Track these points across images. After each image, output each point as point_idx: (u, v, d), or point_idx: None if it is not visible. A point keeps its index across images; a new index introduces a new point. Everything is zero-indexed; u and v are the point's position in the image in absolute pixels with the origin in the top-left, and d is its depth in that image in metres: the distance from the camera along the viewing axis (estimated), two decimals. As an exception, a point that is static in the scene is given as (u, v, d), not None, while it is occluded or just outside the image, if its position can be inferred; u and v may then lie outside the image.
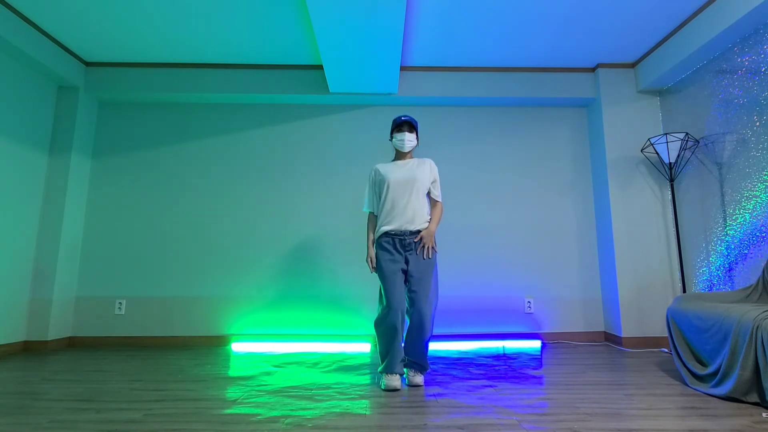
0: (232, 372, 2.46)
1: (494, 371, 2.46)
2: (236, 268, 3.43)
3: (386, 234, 2.23)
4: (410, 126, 2.32)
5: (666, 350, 3.06)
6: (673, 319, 2.30)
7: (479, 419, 1.65)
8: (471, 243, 3.51)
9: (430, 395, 1.98)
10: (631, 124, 3.44)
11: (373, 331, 3.36)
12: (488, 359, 2.79)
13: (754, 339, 1.78)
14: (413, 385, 2.14)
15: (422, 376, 2.18)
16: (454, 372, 2.45)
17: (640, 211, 3.33)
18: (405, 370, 2.21)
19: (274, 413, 1.73)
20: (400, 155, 2.38)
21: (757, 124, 2.59)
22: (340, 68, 3.14)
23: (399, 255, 2.19)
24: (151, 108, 3.65)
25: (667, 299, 3.24)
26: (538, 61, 3.49)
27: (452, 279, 3.46)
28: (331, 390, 2.08)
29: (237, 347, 3.12)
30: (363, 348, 3.10)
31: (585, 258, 3.54)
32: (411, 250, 2.19)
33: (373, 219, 2.35)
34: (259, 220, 3.51)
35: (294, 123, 3.65)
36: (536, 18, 2.91)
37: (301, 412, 1.74)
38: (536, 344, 3.15)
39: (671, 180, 3.11)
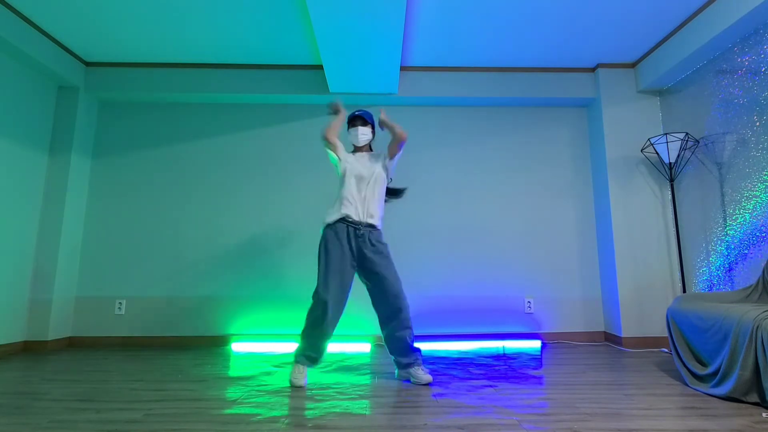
0: (232, 372, 2.46)
1: (494, 371, 2.46)
2: (236, 267, 3.43)
3: (342, 220, 2.26)
4: (363, 120, 2.40)
5: (666, 350, 3.06)
6: (673, 319, 2.30)
7: (479, 419, 1.65)
8: (471, 243, 3.51)
9: (430, 395, 1.98)
10: (631, 124, 3.44)
11: (373, 331, 3.36)
12: (488, 359, 2.79)
13: (754, 339, 1.78)
14: (424, 384, 2.15)
15: (424, 369, 2.20)
16: (454, 372, 2.45)
17: (640, 211, 3.33)
18: (407, 371, 2.22)
19: (274, 413, 1.73)
20: (356, 148, 2.45)
21: (757, 124, 2.59)
22: (340, 68, 3.14)
23: (349, 251, 2.24)
24: (151, 108, 3.65)
25: (667, 299, 3.24)
26: (538, 61, 3.49)
27: (452, 279, 3.46)
28: (331, 390, 2.08)
29: (237, 347, 3.12)
30: (363, 348, 3.10)
31: (585, 258, 3.54)
32: (365, 243, 2.24)
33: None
34: (260, 219, 3.51)
35: (294, 123, 3.65)
36: (536, 18, 2.91)
37: (301, 412, 1.74)
38: (536, 344, 3.16)
39: (671, 180, 3.11)
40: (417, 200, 3.56)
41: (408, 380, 2.23)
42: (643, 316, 3.20)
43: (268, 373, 2.43)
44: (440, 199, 3.57)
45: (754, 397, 1.80)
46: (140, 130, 3.62)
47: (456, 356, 2.90)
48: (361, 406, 1.82)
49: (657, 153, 3.13)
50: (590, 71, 3.59)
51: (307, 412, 1.74)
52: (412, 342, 2.23)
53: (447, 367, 2.56)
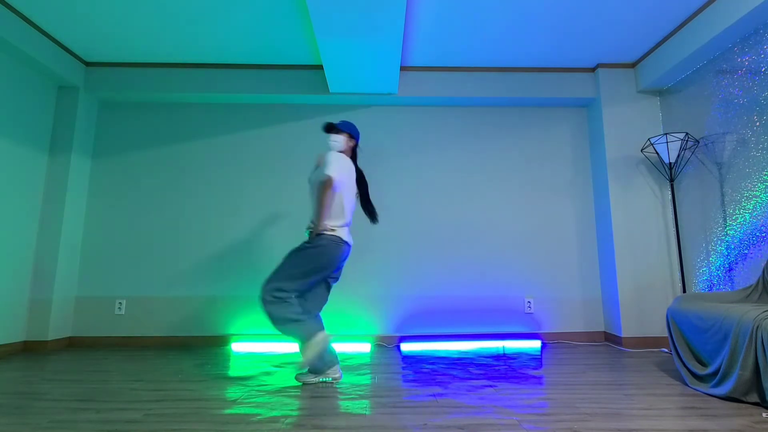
0: (232, 372, 2.46)
1: (494, 371, 2.46)
2: (236, 267, 3.43)
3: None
4: (337, 129, 2.41)
5: (666, 350, 3.06)
6: (673, 319, 2.30)
7: (479, 419, 1.65)
8: (471, 243, 3.51)
9: (430, 395, 1.98)
10: (631, 124, 3.44)
11: (373, 331, 3.36)
12: (488, 359, 2.79)
13: (754, 339, 1.78)
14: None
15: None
16: (454, 372, 2.45)
17: (640, 211, 3.33)
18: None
19: (274, 413, 1.73)
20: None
21: (757, 124, 2.59)
22: (340, 68, 3.14)
23: None
24: (151, 108, 3.65)
25: (667, 299, 3.24)
26: (538, 61, 3.49)
27: (452, 279, 3.46)
28: (331, 390, 2.08)
29: (237, 347, 3.12)
30: (363, 348, 3.10)
31: (585, 258, 3.54)
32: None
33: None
34: (260, 219, 3.51)
35: (294, 123, 3.65)
36: (536, 18, 2.91)
37: (301, 412, 1.74)
38: (536, 344, 3.15)
39: (671, 180, 3.11)
40: (417, 200, 3.56)
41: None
42: (643, 316, 3.20)
43: (268, 373, 2.43)
44: (440, 199, 3.57)
45: (754, 397, 1.80)
46: (140, 130, 3.61)
47: (456, 356, 2.90)
48: (361, 406, 1.82)
49: (657, 153, 3.13)
50: (590, 71, 3.59)
51: (307, 412, 1.74)
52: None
53: (447, 367, 2.57)
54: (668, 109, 3.38)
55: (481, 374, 2.38)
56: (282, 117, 3.65)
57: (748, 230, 2.65)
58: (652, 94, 3.48)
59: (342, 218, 2.27)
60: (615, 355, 2.90)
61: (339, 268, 2.35)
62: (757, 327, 1.78)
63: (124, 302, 3.37)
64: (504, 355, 2.93)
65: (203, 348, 3.22)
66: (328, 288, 2.38)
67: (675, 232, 3.25)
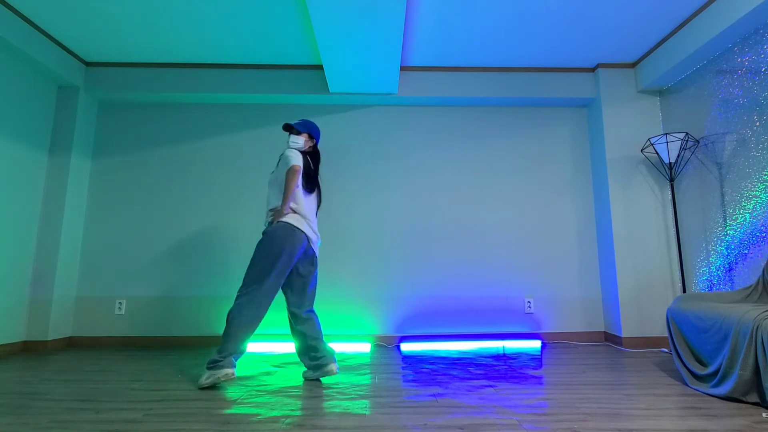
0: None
1: (494, 371, 2.46)
2: (237, 268, 3.43)
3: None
4: (297, 130, 2.40)
5: (666, 350, 3.06)
6: (673, 319, 2.30)
7: (479, 419, 1.65)
8: (471, 243, 3.51)
9: (430, 395, 1.98)
10: (631, 124, 3.44)
11: (373, 331, 3.36)
12: (488, 359, 2.79)
13: (754, 339, 1.78)
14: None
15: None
16: (454, 372, 2.45)
17: (640, 211, 3.33)
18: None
19: (274, 413, 1.73)
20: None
21: (757, 124, 2.59)
22: (340, 68, 3.14)
23: None
24: (151, 108, 3.65)
25: (667, 299, 3.24)
26: (538, 61, 3.49)
27: (452, 279, 3.46)
28: (331, 390, 2.08)
29: (237, 347, 3.11)
30: (363, 348, 3.10)
31: (585, 258, 3.54)
32: None
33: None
34: (260, 219, 3.50)
35: (294, 123, 3.64)
36: (536, 18, 2.91)
37: (301, 412, 1.74)
38: (536, 344, 3.15)
39: (671, 180, 3.11)
40: (417, 200, 3.56)
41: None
42: (643, 316, 3.20)
43: (268, 373, 2.43)
44: (440, 199, 3.57)
45: (754, 397, 1.80)
46: (140, 130, 3.61)
47: (456, 356, 2.90)
48: (361, 406, 1.82)
49: (657, 153, 3.13)
50: (590, 71, 3.59)
51: (307, 412, 1.74)
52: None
53: (447, 367, 2.56)
54: (668, 109, 3.38)
55: (481, 374, 2.38)
56: (282, 117, 3.65)
57: (748, 230, 2.65)
58: (652, 94, 3.48)
59: (295, 209, 2.27)
60: (615, 355, 2.90)
61: (302, 259, 2.29)
62: (757, 327, 1.78)
63: (124, 302, 3.37)
64: (504, 355, 2.93)
65: (203, 348, 3.22)
66: (305, 283, 2.31)
67: (675, 232, 3.25)
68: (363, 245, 3.47)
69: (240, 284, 3.38)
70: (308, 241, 2.29)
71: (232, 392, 2.04)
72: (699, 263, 3.05)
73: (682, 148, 3.05)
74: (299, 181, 2.29)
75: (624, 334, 3.17)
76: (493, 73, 3.59)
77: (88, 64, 3.48)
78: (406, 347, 3.12)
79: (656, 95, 3.48)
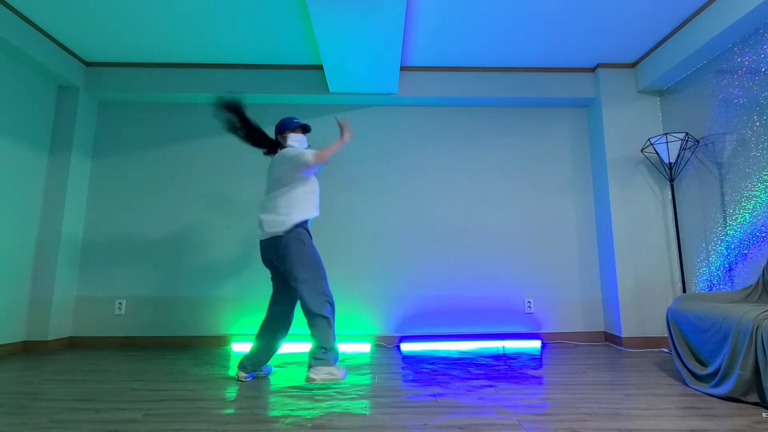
0: (232, 372, 2.46)
1: (494, 371, 2.46)
2: (237, 267, 3.43)
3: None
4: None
5: (666, 350, 3.06)
6: (673, 319, 2.30)
7: (479, 419, 1.65)
8: (471, 243, 3.51)
9: (430, 395, 1.98)
10: (631, 124, 3.44)
11: (373, 331, 3.36)
12: (488, 359, 2.79)
13: (754, 339, 1.78)
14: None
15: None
16: (454, 372, 2.45)
17: (640, 211, 3.33)
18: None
19: (274, 413, 1.73)
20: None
21: (757, 124, 2.59)
22: (340, 68, 3.14)
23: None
24: (151, 108, 3.65)
25: (667, 299, 3.24)
26: (538, 61, 3.49)
27: (452, 279, 3.46)
28: (331, 390, 2.08)
29: (237, 347, 3.12)
30: (363, 348, 3.10)
31: (585, 258, 3.54)
32: None
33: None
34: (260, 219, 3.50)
35: (294, 123, 3.64)
36: (536, 18, 2.91)
37: (301, 412, 1.74)
38: (536, 344, 3.15)
39: (671, 180, 3.11)
40: (417, 200, 3.56)
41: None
42: (643, 316, 3.20)
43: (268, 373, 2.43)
44: (440, 199, 3.57)
45: (754, 397, 1.80)
46: (140, 130, 3.61)
47: (456, 356, 2.90)
48: (361, 406, 1.82)
49: (657, 153, 3.13)
50: (590, 71, 3.59)
51: (307, 412, 1.74)
52: None
53: (447, 367, 2.56)
54: (668, 109, 3.38)
55: (481, 374, 2.38)
56: (282, 117, 3.65)
57: (748, 230, 2.65)
58: (652, 94, 3.48)
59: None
60: (615, 355, 2.90)
61: (268, 260, 2.26)
62: (757, 327, 1.78)
63: (124, 302, 3.37)
64: (504, 355, 2.93)
65: (203, 348, 3.22)
66: (287, 288, 2.31)
67: (675, 232, 3.25)
68: (363, 245, 3.47)
69: (241, 282, 3.39)
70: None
71: (232, 392, 2.04)
72: (699, 263, 3.05)
73: (682, 148, 3.05)
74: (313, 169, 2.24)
75: (624, 334, 3.17)
76: (493, 73, 3.59)
77: (88, 64, 3.48)
78: (406, 347, 3.12)
79: (656, 95, 3.48)
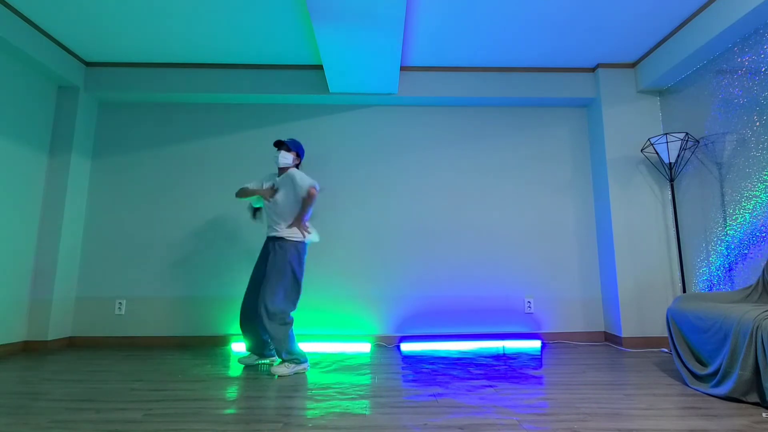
0: (232, 372, 2.46)
1: (494, 371, 2.46)
2: (236, 267, 3.43)
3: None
4: (287, 147, 2.64)
5: (666, 350, 3.06)
6: (673, 319, 2.30)
7: (479, 419, 1.65)
8: (471, 243, 3.51)
9: (430, 395, 1.98)
10: (631, 124, 3.44)
11: (373, 331, 3.36)
12: (488, 359, 2.79)
13: (754, 339, 1.78)
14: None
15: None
16: (454, 372, 2.45)
17: (640, 211, 3.33)
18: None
19: (275, 413, 1.73)
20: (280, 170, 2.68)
21: (757, 124, 2.59)
22: (340, 68, 3.14)
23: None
24: (151, 108, 3.65)
25: (667, 299, 3.24)
26: (538, 61, 3.49)
27: (452, 279, 3.46)
28: (331, 390, 2.08)
29: (237, 347, 3.12)
30: (363, 348, 3.10)
31: (585, 258, 3.54)
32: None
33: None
34: (259, 219, 3.50)
35: (294, 123, 3.65)
36: (536, 18, 2.91)
37: (301, 412, 1.74)
38: (536, 344, 3.15)
39: (671, 180, 3.11)
40: (417, 200, 3.56)
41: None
42: (643, 316, 3.20)
43: (269, 373, 2.43)
44: (440, 199, 3.57)
45: (754, 397, 1.80)
46: (140, 130, 3.61)
47: (456, 356, 2.90)
48: (361, 406, 1.82)
49: (657, 153, 3.13)
50: (590, 71, 3.59)
51: (307, 412, 1.74)
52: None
53: (447, 367, 2.57)
54: (668, 109, 3.38)
55: (481, 374, 2.38)
56: (282, 117, 3.65)
57: (748, 230, 2.65)
58: (652, 94, 3.48)
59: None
60: (615, 355, 2.90)
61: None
62: (757, 327, 1.78)
63: (124, 302, 3.37)
64: (504, 355, 2.93)
65: (203, 348, 3.22)
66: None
67: (675, 232, 3.25)
68: (363, 245, 3.47)
69: (241, 281, 3.39)
70: None
71: (232, 392, 2.04)
72: (699, 263, 3.05)
73: (682, 148, 3.05)
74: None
75: (624, 334, 3.17)
76: (493, 73, 3.59)
77: (88, 64, 3.48)
78: (406, 347, 3.12)
79: (656, 95, 3.48)
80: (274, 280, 2.41)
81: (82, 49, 3.30)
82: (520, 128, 3.70)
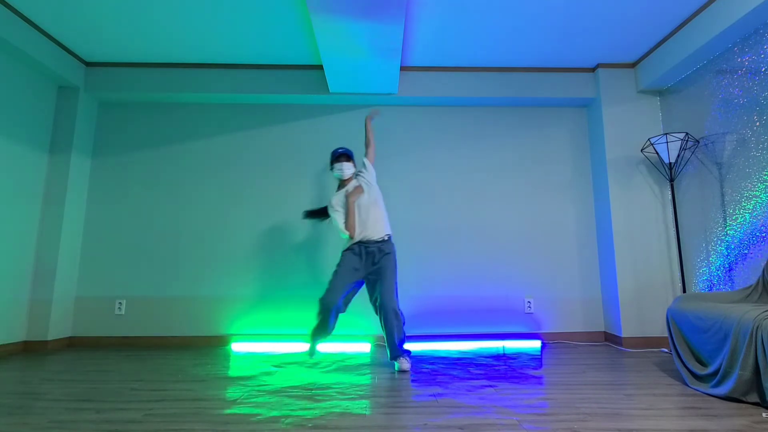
0: (232, 372, 2.46)
1: (494, 371, 2.46)
2: (236, 267, 3.43)
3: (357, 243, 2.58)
4: (347, 157, 2.69)
5: (666, 350, 3.06)
6: (673, 319, 2.30)
7: (479, 419, 1.65)
8: (471, 243, 3.51)
9: (430, 395, 1.98)
10: (631, 124, 3.44)
11: (373, 331, 3.36)
12: (488, 359, 2.79)
13: (754, 339, 1.78)
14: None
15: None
16: (454, 372, 2.45)
17: (640, 211, 3.33)
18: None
19: (274, 413, 1.73)
20: (343, 182, 2.73)
21: (757, 124, 2.59)
22: (340, 68, 3.14)
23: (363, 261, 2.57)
24: (151, 108, 3.65)
25: (667, 299, 3.24)
26: (538, 61, 3.49)
27: (452, 279, 3.46)
28: (331, 390, 2.08)
29: (237, 347, 3.12)
30: (363, 348, 3.10)
31: (585, 258, 3.54)
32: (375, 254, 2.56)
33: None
34: (259, 220, 3.50)
35: (294, 123, 3.65)
36: (536, 18, 2.91)
37: (301, 412, 1.74)
38: (536, 344, 3.15)
39: (671, 180, 3.11)
40: (417, 200, 3.56)
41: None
42: (643, 316, 3.20)
43: (268, 373, 2.43)
44: (440, 199, 3.57)
45: (754, 397, 1.80)
46: (140, 130, 3.61)
47: (456, 356, 2.90)
48: (361, 406, 1.82)
49: (657, 153, 3.13)
50: (590, 71, 3.59)
51: (307, 412, 1.74)
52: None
53: (447, 367, 2.57)
54: (668, 109, 3.38)
55: (481, 374, 2.38)
56: (282, 117, 3.65)
57: (748, 230, 2.65)
58: (652, 94, 3.48)
59: None
60: (615, 355, 2.90)
61: None
62: (757, 327, 1.78)
63: (124, 302, 3.37)
64: (504, 355, 2.93)
65: (203, 348, 3.22)
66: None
67: (675, 232, 3.25)
68: (363, 245, 3.47)
69: (241, 281, 3.39)
70: None
71: (232, 392, 2.04)
72: (699, 263, 3.05)
73: (682, 148, 3.05)
74: None
75: (624, 334, 3.17)
76: (493, 73, 3.58)
77: (88, 64, 3.48)
78: (406, 347, 3.11)
79: (656, 95, 3.48)
80: (393, 281, 2.52)
81: (82, 49, 3.30)
82: (520, 128, 3.70)
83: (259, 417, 1.69)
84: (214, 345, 3.32)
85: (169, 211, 3.50)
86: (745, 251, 2.67)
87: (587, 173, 3.65)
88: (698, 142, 3.04)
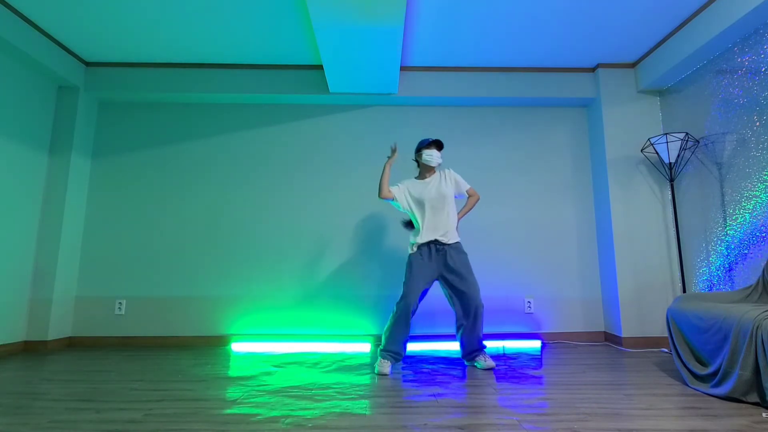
0: (232, 372, 2.46)
1: (494, 371, 2.46)
2: (236, 267, 3.43)
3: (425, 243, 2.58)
4: (439, 146, 2.69)
5: (666, 350, 3.06)
6: (673, 319, 2.30)
7: (479, 419, 1.65)
8: (471, 243, 3.51)
9: (430, 395, 1.98)
10: (631, 124, 3.44)
11: (373, 331, 3.36)
12: (488, 359, 2.78)
13: (754, 339, 1.78)
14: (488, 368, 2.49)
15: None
16: (454, 372, 2.45)
17: (640, 211, 3.33)
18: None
19: (274, 413, 1.73)
20: (426, 171, 2.72)
21: (757, 124, 2.59)
22: (340, 68, 3.14)
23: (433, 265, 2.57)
24: (151, 108, 3.65)
25: (667, 299, 3.24)
26: (538, 61, 3.49)
27: (452, 279, 3.45)
28: (331, 390, 2.08)
29: (237, 347, 3.12)
30: (363, 348, 3.10)
31: (585, 258, 3.53)
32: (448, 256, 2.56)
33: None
34: (259, 220, 3.51)
35: (294, 123, 3.65)
36: (536, 18, 2.91)
37: (301, 412, 1.74)
38: (536, 344, 3.15)
39: (671, 180, 3.11)
40: (417, 200, 3.55)
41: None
42: (643, 316, 3.20)
43: (268, 373, 2.43)
44: (440, 199, 3.57)
45: (754, 397, 1.80)
46: (140, 130, 3.61)
47: (456, 356, 2.90)
48: (361, 406, 1.82)
49: (657, 153, 3.13)
50: (590, 71, 3.59)
51: (307, 412, 1.74)
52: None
53: (447, 367, 2.57)
54: (668, 109, 3.38)
55: (481, 374, 2.38)
56: (282, 117, 3.65)
57: (748, 230, 2.65)
58: (652, 94, 3.48)
59: None
60: (615, 355, 2.90)
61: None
62: (757, 327, 1.78)
63: (124, 302, 3.37)
64: (504, 355, 2.93)
65: (203, 348, 3.22)
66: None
67: (675, 232, 3.25)
68: (363, 245, 3.47)
69: (241, 281, 3.39)
70: None
71: (232, 392, 2.04)
72: (699, 263, 3.05)
73: (682, 148, 3.05)
74: None
75: (624, 334, 3.17)
76: (493, 73, 3.58)
77: (88, 64, 3.48)
78: (407, 347, 3.11)
79: (656, 95, 3.48)
80: (474, 279, 2.56)
81: (82, 49, 3.30)
82: (519, 128, 3.70)
83: (259, 417, 1.69)
84: (214, 345, 3.32)
85: (169, 211, 3.50)
86: (745, 251, 2.67)
87: (587, 173, 3.65)
88: (698, 142, 3.04)
